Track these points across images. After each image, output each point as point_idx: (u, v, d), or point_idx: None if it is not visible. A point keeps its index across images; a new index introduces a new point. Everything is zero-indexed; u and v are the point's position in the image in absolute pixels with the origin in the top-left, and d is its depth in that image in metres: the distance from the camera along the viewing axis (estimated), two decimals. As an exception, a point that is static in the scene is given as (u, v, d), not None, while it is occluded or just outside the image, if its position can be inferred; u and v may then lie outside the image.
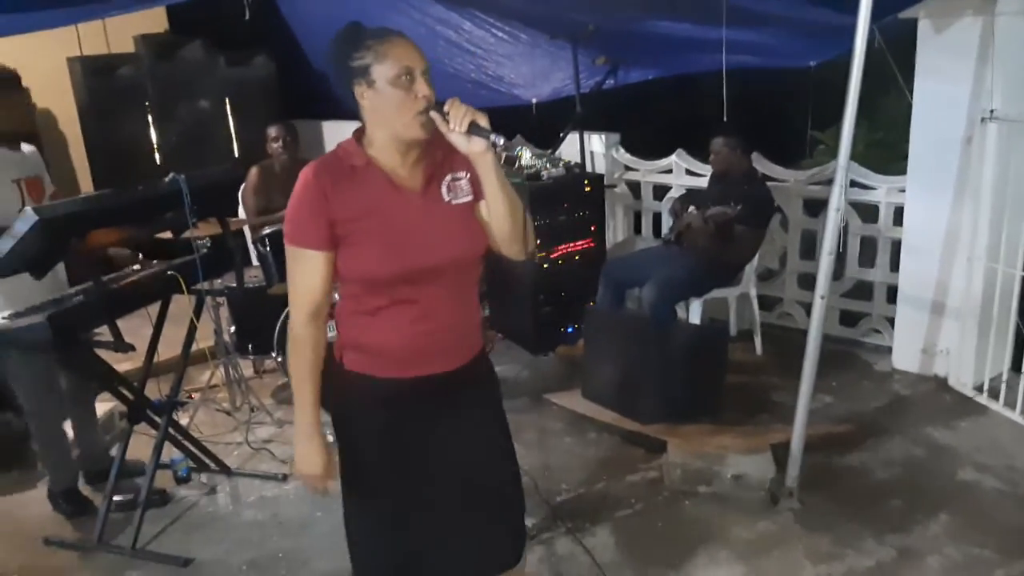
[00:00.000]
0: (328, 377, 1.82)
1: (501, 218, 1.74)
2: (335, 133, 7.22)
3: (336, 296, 1.82)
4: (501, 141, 1.63)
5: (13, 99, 3.05)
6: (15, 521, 3.27)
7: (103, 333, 3.01)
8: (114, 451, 3.38)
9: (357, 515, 1.92)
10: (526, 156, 4.72)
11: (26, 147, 3.17)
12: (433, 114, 1.64)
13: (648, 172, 5.43)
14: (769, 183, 4.50)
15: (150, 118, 6.34)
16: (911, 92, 3.91)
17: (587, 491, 3.27)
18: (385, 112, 1.66)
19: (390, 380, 1.79)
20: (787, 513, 3.05)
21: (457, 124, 1.62)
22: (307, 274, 1.71)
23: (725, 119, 4.33)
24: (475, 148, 1.65)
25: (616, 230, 5.62)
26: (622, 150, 5.51)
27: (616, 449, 3.62)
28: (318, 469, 1.83)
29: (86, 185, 6.65)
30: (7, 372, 3.13)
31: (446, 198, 1.76)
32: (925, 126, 3.93)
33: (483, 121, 1.64)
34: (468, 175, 1.77)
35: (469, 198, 1.79)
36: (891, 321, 4.42)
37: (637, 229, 5.63)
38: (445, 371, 1.82)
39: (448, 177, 1.77)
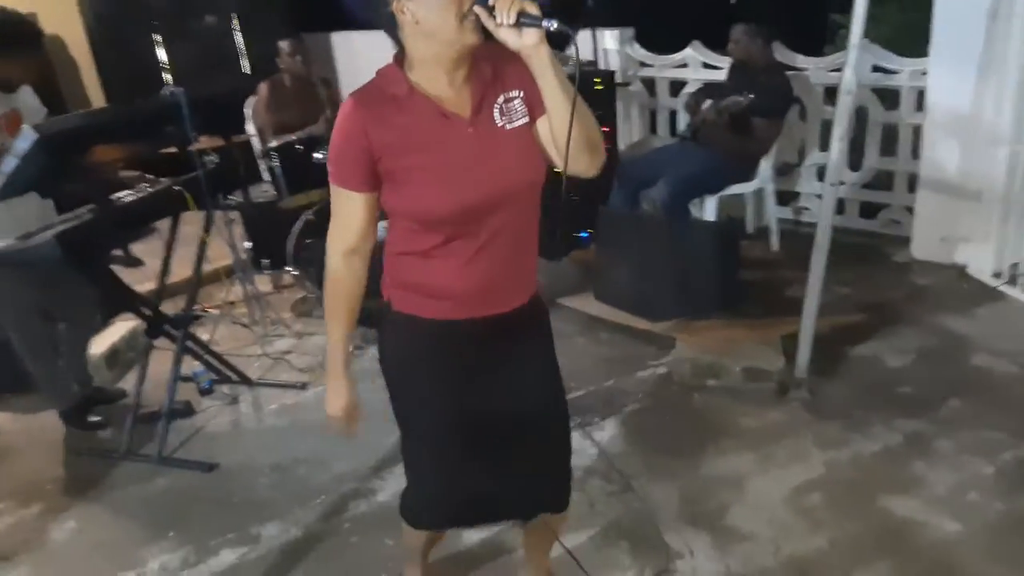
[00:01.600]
0: (375, 317, 1.78)
1: (564, 126, 1.51)
2: (344, 44, 7.10)
3: (382, 231, 1.71)
4: (554, 25, 1.44)
5: (31, 55, 3.01)
6: (47, 435, 3.41)
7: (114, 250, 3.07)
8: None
9: (412, 452, 1.89)
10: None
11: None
12: (478, 9, 1.47)
13: (663, 67, 5.27)
14: (789, 72, 4.35)
15: (159, 37, 6.28)
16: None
17: (597, 388, 3.30)
18: (429, 21, 1.47)
19: (443, 322, 1.69)
20: (796, 403, 3.06)
21: (504, 16, 1.44)
22: (347, 215, 1.62)
23: (738, 5, 4.15)
24: (527, 41, 1.45)
25: (631, 130, 5.50)
26: (636, 45, 5.34)
27: (628, 348, 3.64)
28: (339, 411, 1.78)
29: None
30: None
31: (499, 122, 1.59)
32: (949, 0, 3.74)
33: (532, 8, 1.45)
34: (522, 93, 1.60)
35: (525, 120, 1.61)
36: (911, 211, 4.31)
37: (653, 128, 5.50)
38: (501, 312, 1.71)
39: (500, 99, 1.59)
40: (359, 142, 1.54)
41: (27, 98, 3.20)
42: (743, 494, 2.65)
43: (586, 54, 4.81)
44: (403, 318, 1.73)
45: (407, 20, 1.49)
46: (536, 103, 1.59)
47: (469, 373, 1.75)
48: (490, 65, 1.59)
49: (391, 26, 1.52)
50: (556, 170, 1.62)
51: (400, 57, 1.57)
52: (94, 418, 3.37)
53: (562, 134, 1.51)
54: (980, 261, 3.90)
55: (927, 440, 2.81)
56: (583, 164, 1.58)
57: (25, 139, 2.61)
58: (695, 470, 2.78)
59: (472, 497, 1.87)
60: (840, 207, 4.35)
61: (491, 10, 1.46)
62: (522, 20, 1.45)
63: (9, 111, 3.05)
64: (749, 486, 2.68)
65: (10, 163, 2.67)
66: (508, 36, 1.46)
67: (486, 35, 1.50)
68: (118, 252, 3.01)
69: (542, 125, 1.61)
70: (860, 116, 4.26)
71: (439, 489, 1.88)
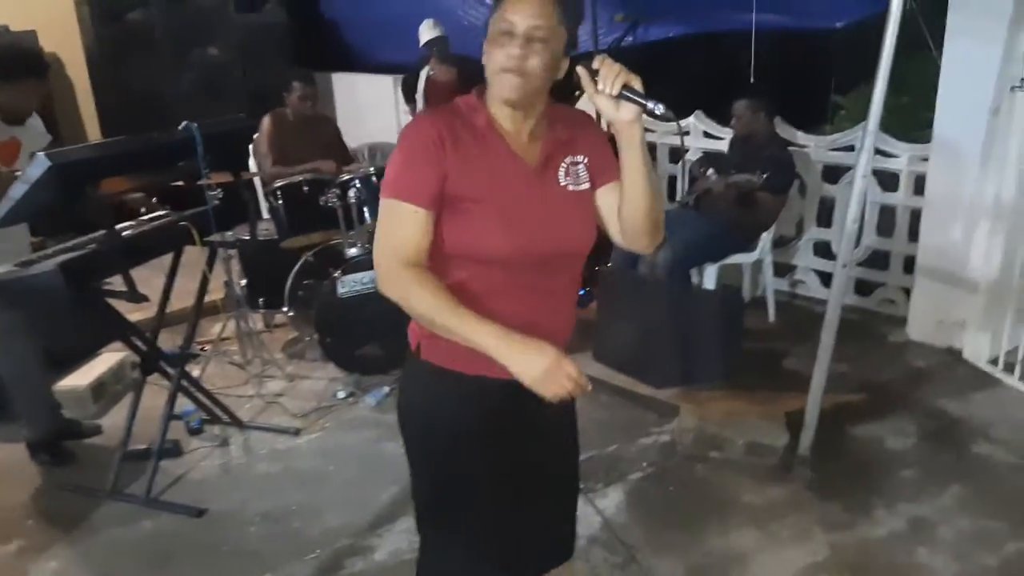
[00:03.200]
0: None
1: (636, 205, 1.52)
2: (346, 86, 7.13)
3: None
4: (660, 109, 1.40)
5: (33, 85, 2.98)
6: (30, 468, 3.28)
7: (111, 283, 2.99)
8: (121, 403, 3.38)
9: (443, 518, 1.74)
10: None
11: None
12: (581, 70, 1.44)
13: (664, 134, 5.34)
14: (789, 148, 4.43)
15: (161, 65, 6.25)
16: (940, 56, 3.82)
17: (599, 453, 3.27)
18: (486, 62, 1.49)
19: (480, 379, 1.56)
20: (799, 481, 3.05)
21: (608, 85, 1.41)
22: (402, 236, 1.49)
23: (752, 80, 4.24)
24: (624, 116, 1.44)
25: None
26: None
27: (628, 413, 3.61)
28: (550, 352, 1.41)
29: (93, 132, 6.59)
30: None
31: (563, 182, 1.57)
32: (953, 93, 3.85)
33: (638, 84, 1.42)
34: (587, 160, 1.59)
35: (586, 186, 1.59)
36: (907, 292, 4.38)
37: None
38: None
39: (567, 159, 1.58)
40: (435, 152, 1.48)
41: (34, 123, 3.15)
42: (747, 573, 2.61)
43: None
44: (434, 370, 1.62)
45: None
46: (599, 172, 1.60)
47: (507, 435, 1.67)
48: (562, 126, 1.59)
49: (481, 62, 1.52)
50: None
51: (482, 89, 1.55)
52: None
53: (631, 209, 1.53)
54: (976, 346, 3.96)
55: (930, 527, 2.80)
56: (644, 242, 1.59)
57: (38, 166, 2.56)
58: (699, 545, 2.74)
59: (503, 560, 1.78)
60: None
61: (594, 74, 1.43)
62: (625, 94, 1.41)
63: (8, 140, 3.00)
64: (754, 565, 2.65)
65: (20, 189, 2.61)
66: (605, 105, 1.44)
67: (557, 99, 1.53)
68: (121, 288, 2.93)
69: (603, 196, 1.61)
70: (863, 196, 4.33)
71: (473, 555, 1.76)
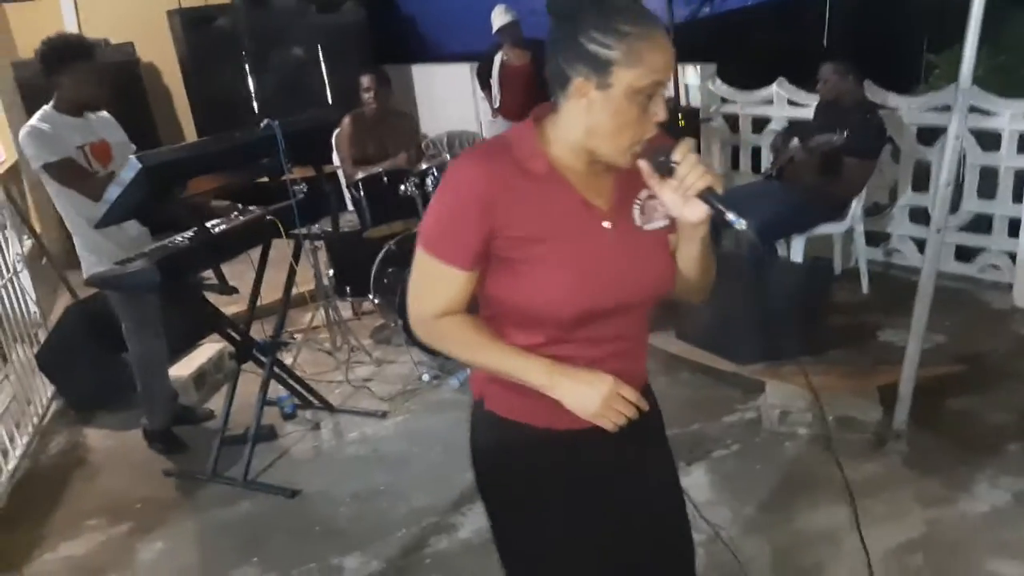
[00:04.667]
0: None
1: (687, 278, 1.42)
2: (425, 77, 7.23)
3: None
4: (742, 224, 1.23)
5: (80, 70, 3.05)
6: (138, 454, 3.49)
7: (209, 277, 3.14)
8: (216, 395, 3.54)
9: None
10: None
11: (92, 114, 3.18)
12: (642, 164, 1.29)
13: (747, 104, 5.20)
14: (880, 111, 4.24)
15: (247, 67, 6.49)
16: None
17: (682, 431, 3.22)
18: (601, 123, 1.25)
19: (557, 432, 1.41)
20: (894, 456, 2.94)
21: (687, 186, 1.25)
22: (439, 293, 1.35)
23: (826, 44, 4.07)
24: (693, 217, 1.30)
25: (712, 166, 5.41)
26: (719, 81, 5.29)
27: (712, 390, 3.55)
28: (605, 381, 1.31)
29: (191, 136, 6.91)
30: (120, 314, 3.30)
31: (638, 221, 1.37)
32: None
33: (719, 188, 1.26)
34: None
35: (665, 222, 1.39)
36: (1012, 256, 4.13)
37: (735, 164, 5.43)
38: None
39: (643, 194, 1.37)
40: (482, 214, 1.28)
41: (106, 117, 3.26)
42: (839, 552, 2.53)
43: (667, 89, 4.78)
44: (504, 424, 1.45)
45: (581, 102, 1.26)
46: None
47: (595, 492, 1.48)
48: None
49: (560, 82, 1.28)
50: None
51: (539, 120, 1.34)
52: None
53: (682, 280, 1.43)
54: (1090, 312, 3.71)
55: (1038, 502, 2.66)
56: (693, 299, 1.51)
57: (130, 169, 2.70)
58: (787, 523, 2.68)
59: None
60: (933, 250, 4.19)
61: (669, 164, 1.27)
62: (706, 197, 1.26)
63: (99, 141, 3.16)
64: (845, 543, 2.55)
65: (114, 191, 2.77)
66: (671, 198, 1.30)
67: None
68: (213, 280, 3.07)
69: (675, 239, 1.43)
70: (957, 158, 4.11)
71: None
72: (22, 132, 3.02)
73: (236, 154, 3.25)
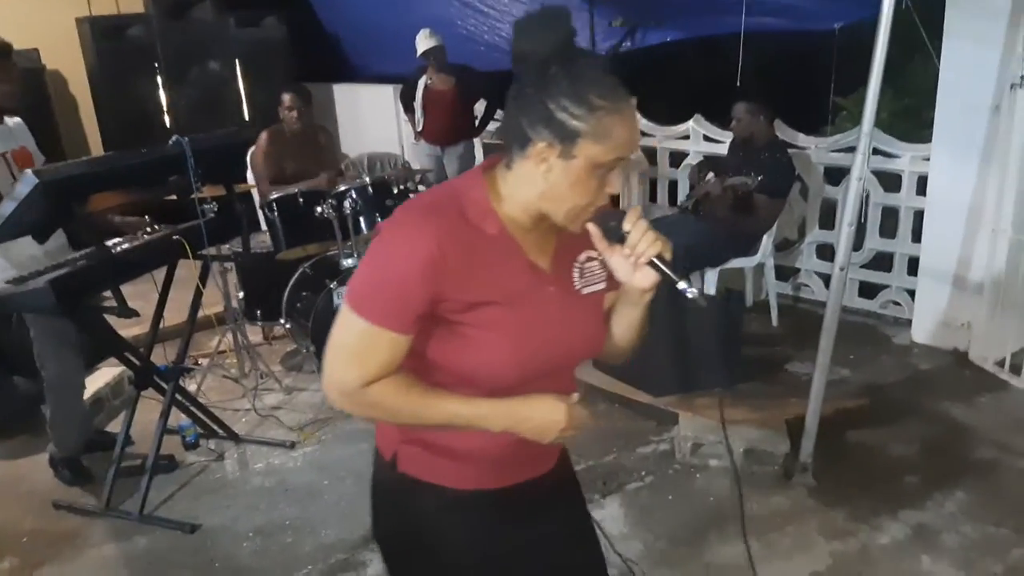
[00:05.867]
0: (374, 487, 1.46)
1: (619, 341, 1.42)
2: (347, 96, 7.14)
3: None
4: (692, 292, 1.25)
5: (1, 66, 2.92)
6: (25, 485, 3.27)
7: (108, 298, 2.99)
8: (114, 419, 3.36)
9: None
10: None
11: (10, 119, 3.06)
12: (591, 227, 1.27)
13: (664, 138, 5.32)
14: (790, 150, 4.39)
15: (160, 80, 6.27)
16: (939, 57, 3.77)
17: (597, 463, 3.22)
18: (557, 190, 1.22)
19: (473, 493, 1.37)
20: (800, 488, 3.00)
21: (638, 253, 1.25)
22: (373, 355, 1.25)
23: (739, 83, 4.21)
24: (641, 283, 1.29)
25: (630, 198, 5.52)
26: (638, 115, 5.38)
27: (627, 421, 3.57)
28: (559, 406, 1.28)
29: (96, 148, 6.61)
30: (35, 334, 3.10)
31: (576, 284, 1.36)
32: (952, 92, 3.80)
33: (668, 254, 1.25)
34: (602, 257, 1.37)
35: (602, 286, 1.38)
36: (911, 293, 4.32)
37: (652, 197, 5.53)
38: (537, 475, 1.44)
39: (582, 256, 1.36)
40: (431, 276, 1.20)
41: (20, 130, 3.12)
42: (748, 584, 2.56)
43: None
44: (420, 488, 1.37)
45: (540, 166, 1.21)
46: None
47: (512, 556, 1.44)
48: None
49: (519, 141, 1.23)
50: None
51: (490, 178, 1.29)
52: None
53: (611, 343, 1.42)
54: (982, 348, 3.89)
55: (934, 534, 2.75)
56: (615, 360, 1.50)
57: (26, 184, 2.56)
58: (699, 557, 2.70)
59: None
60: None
61: (620, 232, 1.26)
62: (655, 264, 1.25)
63: (19, 148, 3.00)
64: (754, 576, 2.59)
65: (8, 206, 2.61)
66: (620, 264, 1.29)
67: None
68: (112, 303, 2.92)
69: (611, 299, 1.42)
70: (860, 198, 4.29)
71: None
72: None
73: (143, 171, 3.10)
